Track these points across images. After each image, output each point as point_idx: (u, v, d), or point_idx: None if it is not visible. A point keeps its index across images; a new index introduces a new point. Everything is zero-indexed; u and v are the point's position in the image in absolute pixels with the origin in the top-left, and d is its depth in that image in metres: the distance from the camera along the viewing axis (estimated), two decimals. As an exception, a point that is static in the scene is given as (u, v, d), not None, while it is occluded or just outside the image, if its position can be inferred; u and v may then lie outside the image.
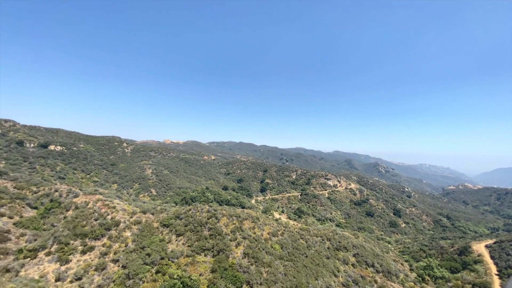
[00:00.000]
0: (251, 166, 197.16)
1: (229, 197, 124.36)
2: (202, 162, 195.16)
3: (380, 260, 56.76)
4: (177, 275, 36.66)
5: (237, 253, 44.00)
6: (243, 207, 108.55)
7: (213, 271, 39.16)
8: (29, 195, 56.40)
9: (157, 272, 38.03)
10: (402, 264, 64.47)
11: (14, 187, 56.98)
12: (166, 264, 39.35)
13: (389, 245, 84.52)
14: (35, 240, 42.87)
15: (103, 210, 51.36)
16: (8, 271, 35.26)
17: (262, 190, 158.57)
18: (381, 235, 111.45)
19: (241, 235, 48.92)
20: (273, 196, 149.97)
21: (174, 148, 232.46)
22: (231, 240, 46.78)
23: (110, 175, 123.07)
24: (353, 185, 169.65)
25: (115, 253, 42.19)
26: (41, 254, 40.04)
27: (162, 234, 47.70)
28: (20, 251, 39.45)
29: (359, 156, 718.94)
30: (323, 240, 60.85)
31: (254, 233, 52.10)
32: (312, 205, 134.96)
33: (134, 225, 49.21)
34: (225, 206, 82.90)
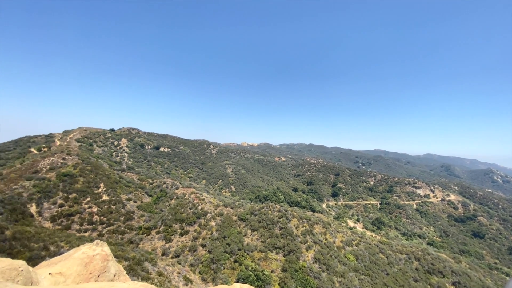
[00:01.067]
0: (321, 168, 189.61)
1: (299, 199, 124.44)
2: (273, 163, 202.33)
3: (493, 297, 44.92)
4: (252, 268, 40.56)
5: (307, 256, 44.55)
6: (313, 211, 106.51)
7: (284, 270, 41.16)
8: (146, 185, 74.47)
9: (235, 261, 43.14)
10: (531, 308, 48.57)
11: (138, 179, 76.41)
12: (242, 256, 44.12)
13: (508, 278, 64.88)
14: (150, 220, 56.17)
15: (195, 201, 62.16)
16: (131, 242, 47.59)
17: (334, 195, 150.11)
18: (495, 263, 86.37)
19: (311, 239, 49.09)
20: (347, 202, 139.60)
21: (249, 150, 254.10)
22: (301, 243, 47.68)
23: (201, 172, 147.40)
24: (453, 197, 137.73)
25: (203, 239, 50.39)
26: (153, 232, 52.09)
27: (239, 227, 53.48)
28: (139, 228, 52.56)
29: (462, 160, 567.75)
30: (409, 258, 53.21)
31: (326, 239, 51.13)
32: (395, 216, 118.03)
33: (218, 216, 57.19)
34: (295, 207, 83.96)
